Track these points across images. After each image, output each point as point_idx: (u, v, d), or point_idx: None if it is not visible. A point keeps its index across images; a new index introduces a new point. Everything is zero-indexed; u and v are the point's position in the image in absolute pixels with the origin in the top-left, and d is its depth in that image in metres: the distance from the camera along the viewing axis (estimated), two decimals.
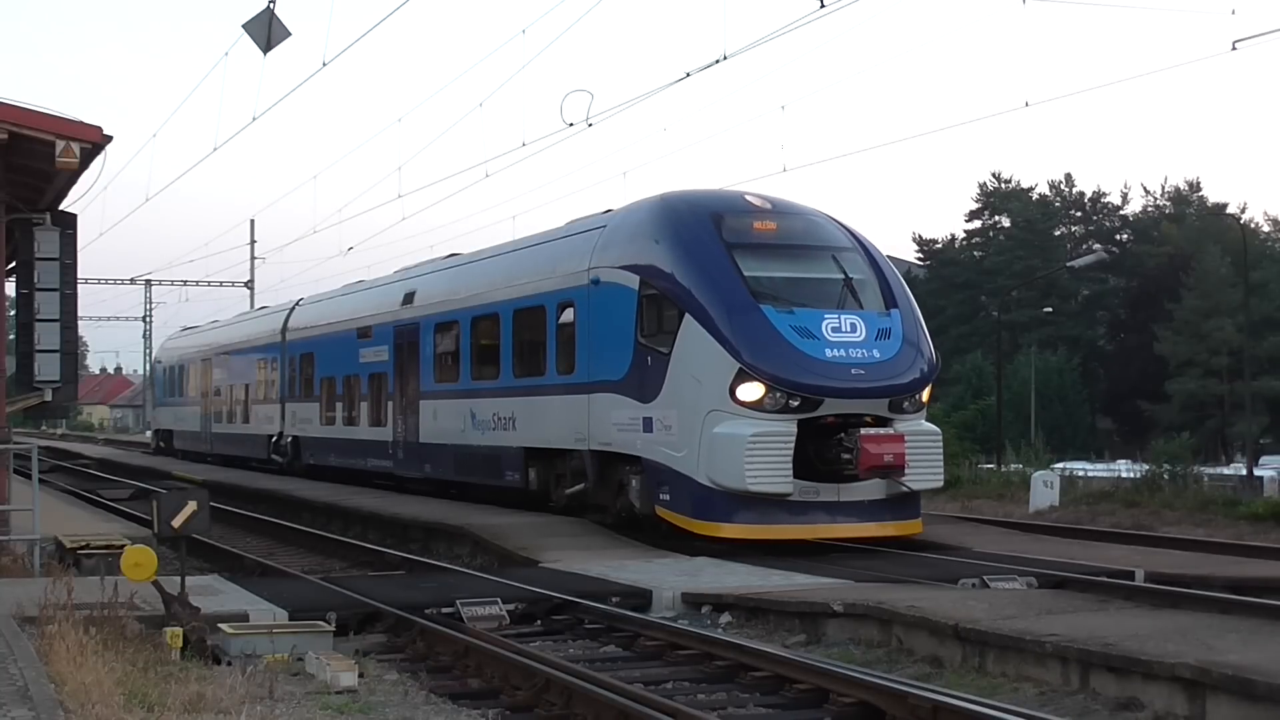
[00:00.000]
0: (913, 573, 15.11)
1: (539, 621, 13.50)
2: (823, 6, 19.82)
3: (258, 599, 13.22)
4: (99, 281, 76.10)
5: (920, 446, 17.30)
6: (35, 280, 16.14)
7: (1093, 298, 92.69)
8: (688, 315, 17.35)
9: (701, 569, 16.07)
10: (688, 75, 24.53)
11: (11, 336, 16.66)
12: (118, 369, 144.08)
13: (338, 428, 31.09)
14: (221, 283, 78.69)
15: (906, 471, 17.05)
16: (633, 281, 18.46)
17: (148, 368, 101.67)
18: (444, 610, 13.14)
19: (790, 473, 16.56)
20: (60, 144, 14.60)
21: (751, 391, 16.72)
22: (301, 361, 33.83)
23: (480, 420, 23.14)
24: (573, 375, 20.01)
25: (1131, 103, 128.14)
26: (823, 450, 16.96)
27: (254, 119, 30.83)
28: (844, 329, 17.29)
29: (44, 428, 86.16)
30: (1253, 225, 78.33)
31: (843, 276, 18.36)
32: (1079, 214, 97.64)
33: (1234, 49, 21.88)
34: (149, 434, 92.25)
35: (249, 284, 76.87)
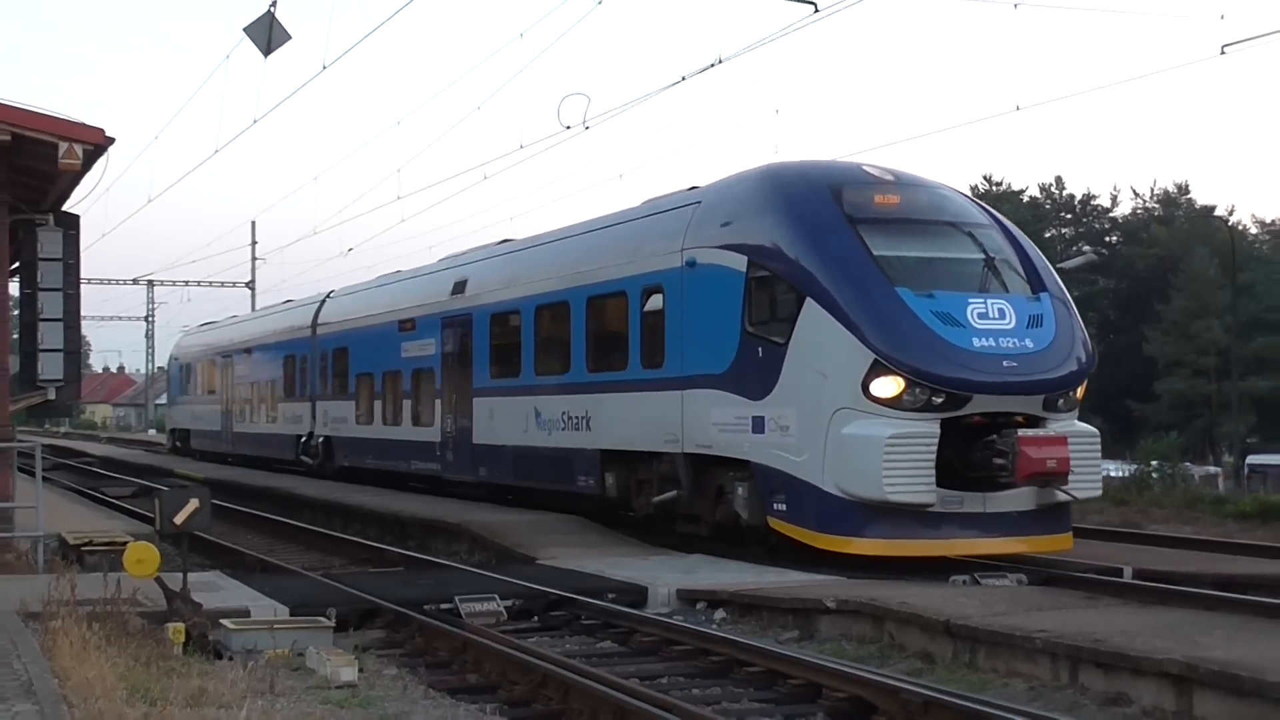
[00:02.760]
0: (904, 570, 15.12)
1: (536, 618, 13.52)
2: (816, 10, 19.88)
3: (259, 595, 13.23)
4: (102, 282, 76.03)
5: (1081, 450, 15.07)
6: (39, 280, 16.13)
7: (1082, 299, 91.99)
8: (810, 300, 15.10)
9: (696, 566, 16.07)
10: (683, 79, 24.55)
11: (15, 336, 16.63)
12: (120, 368, 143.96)
13: (376, 427, 28.62)
14: (223, 283, 78.77)
15: (1069, 479, 14.91)
16: (739, 263, 16.15)
17: (150, 367, 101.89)
18: (442, 606, 13.17)
19: (933, 480, 14.41)
20: (63, 146, 14.60)
21: (888, 386, 14.56)
22: (334, 357, 31.40)
23: (546, 419, 20.87)
24: (662, 369, 17.73)
25: (1121, 106, 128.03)
26: (968, 454, 14.76)
27: (255, 121, 31.08)
28: (991, 315, 15.07)
29: (47, 426, 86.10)
30: (1240, 227, 78.39)
31: (983, 256, 16.10)
32: (1069, 216, 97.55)
33: (1223, 53, 21.85)
34: (151, 432, 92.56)
35: (250, 284, 76.98)
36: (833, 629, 12.54)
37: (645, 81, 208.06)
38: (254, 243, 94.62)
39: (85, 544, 15.94)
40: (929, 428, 14.38)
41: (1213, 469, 43.26)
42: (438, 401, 25.02)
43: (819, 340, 14.94)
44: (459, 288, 24.58)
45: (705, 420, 16.57)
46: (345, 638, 11.96)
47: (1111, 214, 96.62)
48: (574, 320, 20.31)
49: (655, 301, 17.93)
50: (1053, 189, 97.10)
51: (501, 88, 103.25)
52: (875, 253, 15.27)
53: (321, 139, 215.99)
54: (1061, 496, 14.97)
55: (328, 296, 33.59)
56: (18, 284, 16.78)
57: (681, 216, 17.78)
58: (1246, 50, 19.73)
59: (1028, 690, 10.11)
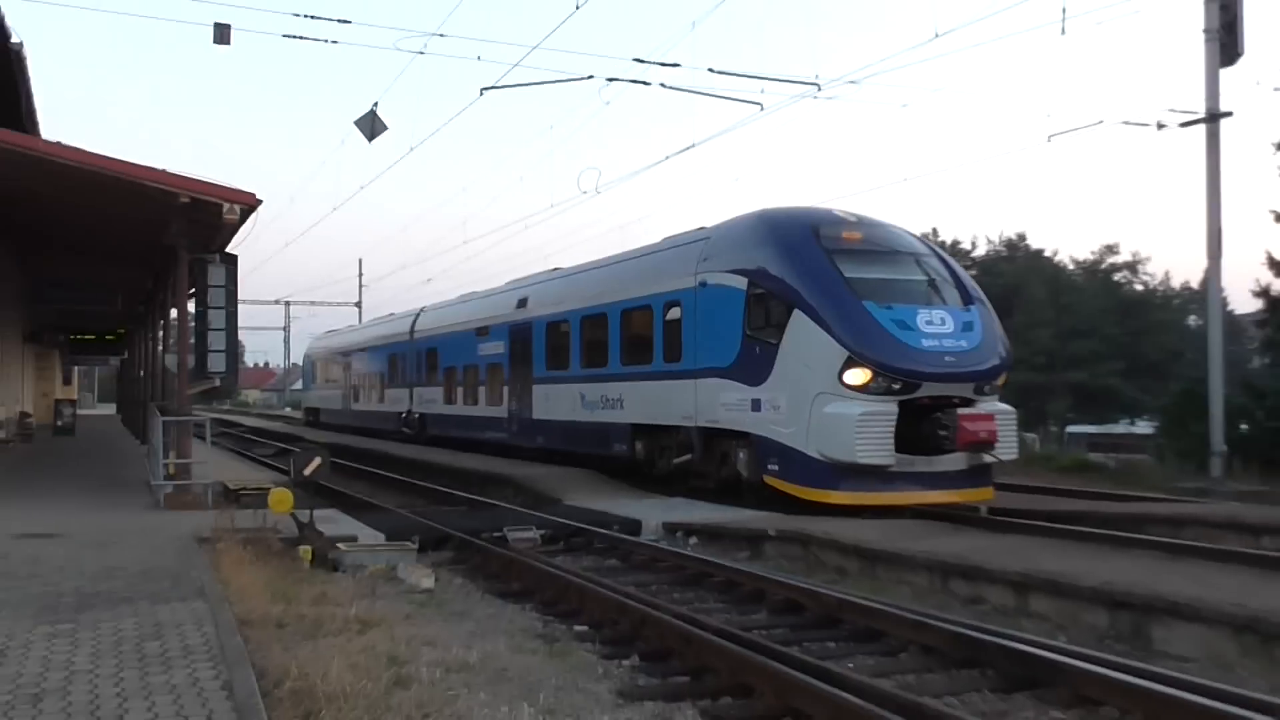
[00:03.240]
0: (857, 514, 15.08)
1: (561, 542, 13.46)
2: (762, 109, 19.83)
3: (364, 526, 13.20)
4: (252, 302, 75.73)
5: (1004, 424, 14.76)
6: (208, 301, 16.20)
7: None
8: (797, 310, 14.83)
9: (676, 506, 15.97)
10: (667, 158, 25.14)
11: (193, 341, 16.66)
12: (265, 364, 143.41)
13: (458, 407, 28.30)
14: (338, 303, 78.52)
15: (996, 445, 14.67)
16: (740, 283, 15.85)
17: (286, 363, 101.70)
18: (494, 534, 13.12)
19: (893, 447, 14.05)
20: (226, 206, 14.59)
21: (859, 376, 14.24)
22: (427, 355, 31.01)
23: (589, 401, 20.46)
24: (679, 363, 17.33)
25: (978, 178, 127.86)
26: (918, 427, 14.36)
27: (361, 188, 31.56)
28: (935, 322, 14.82)
29: (214, 405, 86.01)
30: (1062, 264, 78.62)
31: (926, 277, 15.80)
32: None
33: (1049, 141, 21.77)
34: (287, 409, 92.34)
35: (358, 304, 76.56)
36: (773, 551, 12.54)
37: (640, 159, 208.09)
38: (360, 274, 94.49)
39: (241, 489, 15.92)
40: (889, 407, 14.13)
41: (1029, 435, 43.23)
42: (505, 388, 24.78)
43: (804, 341, 14.72)
44: (522, 303, 24.30)
45: (715, 402, 16.25)
46: (425, 557, 11.95)
47: (972, 255, 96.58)
48: (611, 327, 19.88)
49: (674, 313, 17.65)
50: (930, 236, 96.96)
51: (537, 163, 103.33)
52: (846, 275, 15.05)
53: (409, 199, 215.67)
54: (987, 459, 14.70)
55: (421, 311, 33.37)
56: (194, 304, 16.79)
57: (695, 249, 17.51)
58: (1068, 139, 19.57)
59: (912, 594, 10.12)
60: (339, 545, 11.44)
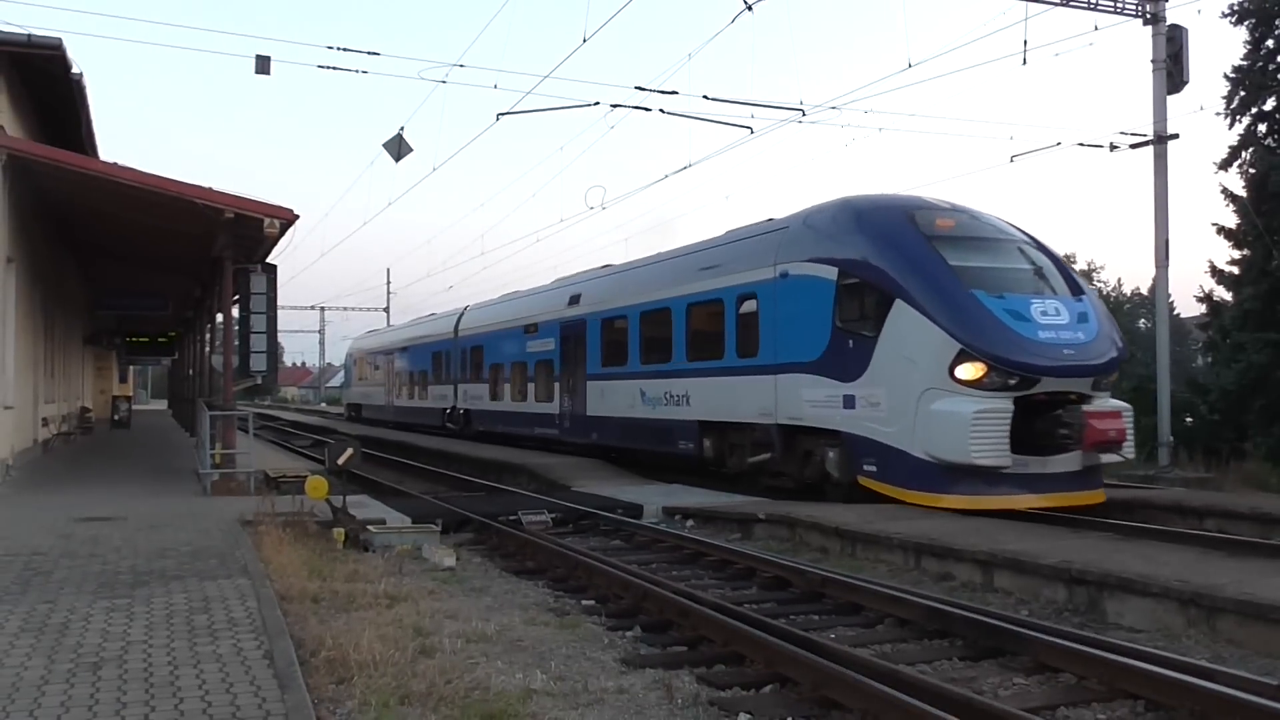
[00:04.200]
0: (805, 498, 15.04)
1: (571, 525, 13.43)
2: (752, 132, 19.79)
3: (391, 510, 13.18)
4: (290, 308, 75.92)
5: (1126, 421, 12.83)
6: (250, 307, 16.23)
7: None
8: (899, 301, 12.76)
9: (675, 491, 15.92)
10: (666, 176, 24.75)
11: (237, 343, 16.67)
12: (302, 363, 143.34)
13: (505, 403, 26.31)
14: (368, 309, 78.50)
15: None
16: (829, 273, 13.81)
17: (321, 362, 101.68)
18: (510, 518, 13.09)
19: (1008, 447, 12.06)
20: (266, 220, 14.59)
21: (971, 370, 12.27)
22: (472, 352, 29.02)
23: (651, 397, 18.47)
24: (756, 358, 15.34)
25: (947, 194, 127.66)
26: (1033, 425, 12.35)
27: (389, 204, 31.76)
28: (1049, 313, 12.76)
29: (255, 401, 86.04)
30: None
31: (1032, 266, 13.63)
32: None
33: (1012, 161, 21.67)
34: (322, 405, 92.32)
35: (386, 309, 76.59)
36: (763, 532, 12.50)
37: (642, 177, 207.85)
38: (388, 282, 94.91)
39: (280, 476, 15.90)
40: (1005, 404, 12.13)
41: None
42: (556, 384, 22.95)
43: (908, 333, 12.70)
44: (574, 300, 22.34)
45: (798, 398, 14.33)
46: (447, 538, 11.94)
47: None
48: (675, 322, 17.93)
49: (749, 306, 15.68)
50: None
51: (548, 181, 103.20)
52: (951, 263, 13.01)
53: (432, 214, 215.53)
54: (1104, 459, 12.81)
55: (464, 310, 31.45)
56: (238, 309, 16.81)
57: (772, 240, 15.45)
58: (1029, 160, 19.50)
59: (889, 571, 10.10)
60: (369, 527, 11.43)
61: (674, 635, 7.51)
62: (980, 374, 12.30)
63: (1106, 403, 12.88)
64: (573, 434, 21.99)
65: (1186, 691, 5.65)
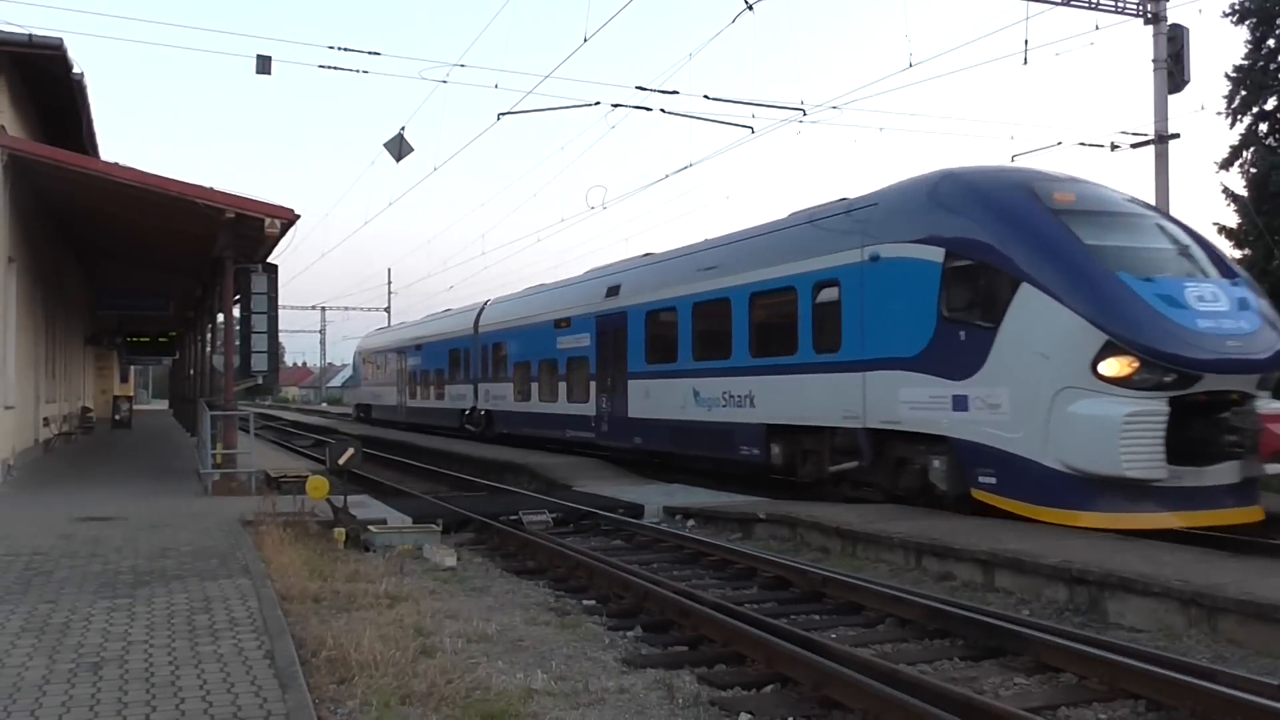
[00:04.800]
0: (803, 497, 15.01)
1: (571, 525, 13.41)
2: (753, 132, 19.77)
3: (392, 510, 13.18)
4: (291, 307, 75.91)
5: None
6: (251, 307, 16.25)
7: None
8: (1026, 285, 10.82)
9: (675, 491, 15.88)
10: (666, 176, 24.80)
11: (238, 343, 16.68)
12: (303, 363, 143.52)
13: (532, 403, 24.35)
14: (369, 308, 78.50)
15: None
16: (934, 255, 11.94)
17: (322, 362, 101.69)
18: (511, 517, 13.08)
19: (1164, 456, 10.10)
20: (267, 220, 14.61)
21: (1119, 366, 10.32)
22: (494, 349, 27.17)
23: (706, 398, 16.69)
24: (838, 354, 13.56)
25: None
26: (1194, 431, 10.34)
27: (390, 204, 31.60)
28: (1207, 298, 10.75)
29: (256, 401, 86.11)
30: None
31: (1175, 244, 11.62)
32: None
33: (1013, 161, 21.69)
34: (324, 404, 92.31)
35: (387, 309, 76.62)
36: (763, 532, 12.49)
37: (642, 177, 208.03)
38: (389, 282, 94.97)
39: (281, 476, 15.91)
40: (1160, 405, 10.21)
41: None
42: (592, 384, 21.03)
43: (1038, 322, 10.77)
44: (612, 291, 20.39)
45: (892, 398, 12.52)
46: (448, 538, 11.95)
47: None
48: (735, 314, 16.01)
49: (829, 294, 13.84)
50: None
51: (549, 181, 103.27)
52: (1087, 242, 11.04)
53: (432, 214, 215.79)
54: (1266, 470, 10.79)
55: (485, 304, 29.43)
56: (239, 309, 16.82)
57: (855, 220, 13.58)
58: (1030, 159, 19.46)
59: (889, 571, 10.09)
60: (370, 527, 11.43)
61: (675, 635, 7.51)
62: (1130, 370, 10.36)
63: (1271, 405, 10.90)
64: (611, 437, 20.23)
65: (1188, 691, 5.65)
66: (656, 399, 18.38)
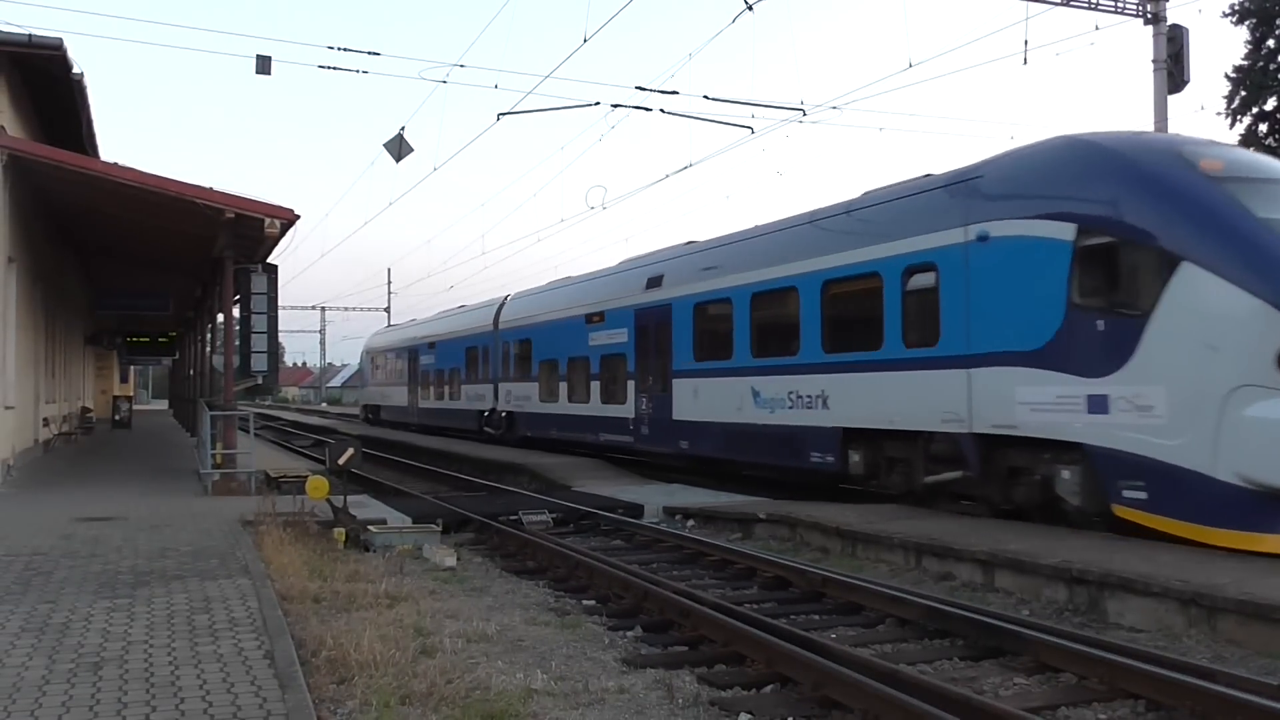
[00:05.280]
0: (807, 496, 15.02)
1: (571, 525, 13.42)
2: (752, 132, 19.76)
3: (392, 510, 13.20)
4: (291, 307, 75.95)
5: None
6: (251, 307, 16.27)
7: None
8: (1188, 265, 9.18)
9: (675, 491, 15.88)
10: (667, 176, 24.75)
11: (237, 343, 16.69)
12: (303, 363, 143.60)
13: (560, 404, 22.63)
14: (369, 308, 78.50)
15: None
16: (1062, 232, 10.32)
17: (322, 362, 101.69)
18: (511, 517, 13.09)
19: None
20: (267, 220, 14.64)
21: None
22: (517, 346, 25.41)
23: (767, 398, 14.99)
24: (935, 347, 11.89)
25: None
26: None
27: (390, 204, 31.51)
28: None
29: (256, 401, 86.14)
30: None
31: None
32: None
33: None
34: (323, 405, 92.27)
35: (387, 309, 76.65)
36: (763, 532, 12.49)
37: (642, 177, 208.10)
38: (389, 282, 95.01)
39: (281, 476, 15.92)
40: None
41: None
42: (630, 383, 19.41)
43: (1205, 309, 9.15)
44: (654, 282, 18.80)
45: (1007, 398, 10.86)
46: (448, 538, 11.95)
47: None
48: (805, 305, 14.34)
49: (923, 280, 12.22)
50: None
51: (549, 181, 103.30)
52: (1258, 215, 9.32)
53: (433, 213, 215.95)
54: None
55: (505, 299, 27.65)
56: (238, 309, 16.83)
57: (957, 194, 11.90)
58: None
59: (889, 571, 10.09)
60: (370, 528, 11.43)
61: (675, 635, 7.51)
62: None
63: None
64: (653, 441, 18.62)
65: (1187, 691, 5.65)
66: (707, 399, 16.78)
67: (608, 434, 20.36)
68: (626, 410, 19.56)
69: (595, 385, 21.03)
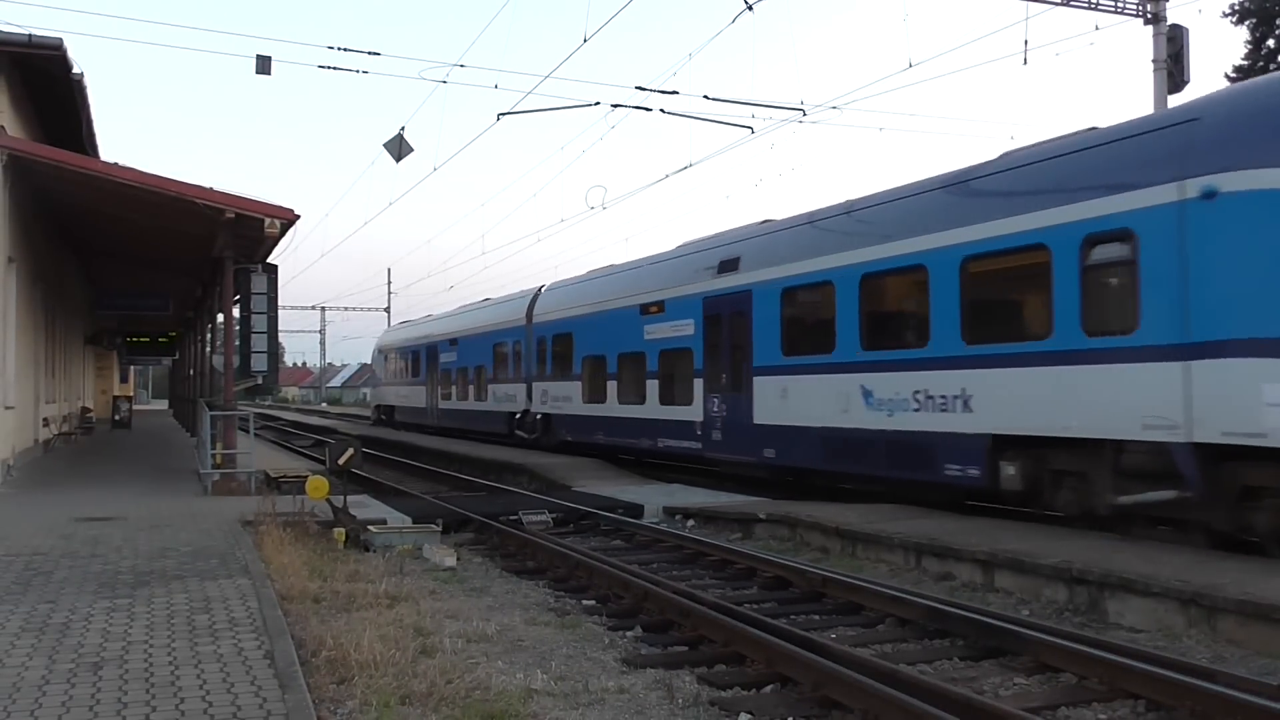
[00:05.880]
0: (805, 496, 15.01)
1: (571, 525, 13.42)
2: (752, 132, 19.75)
3: (392, 510, 13.19)
4: (291, 308, 76.02)
5: None
6: (251, 307, 16.29)
7: None
8: None
9: (675, 491, 15.87)
10: (667, 176, 24.71)
11: (237, 343, 16.71)
12: (303, 363, 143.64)
13: (608, 405, 20.42)
14: (369, 308, 78.56)
15: None
16: None
17: (322, 362, 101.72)
18: (511, 517, 13.09)
19: None
20: (267, 220, 14.65)
21: None
22: (554, 342, 23.24)
23: (882, 398, 12.79)
24: (1133, 335, 9.67)
25: None
26: None
27: (390, 204, 31.42)
28: None
29: (256, 401, 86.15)
30: None
31: None
32: None
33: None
34: (323, 405, 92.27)
35: (386, 309, 76.68)
36: (763, 532, 12.49)
37: (642, 177, 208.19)
38: (389, 282, 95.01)
39: (281, 476, 15.93)
40: None
41: None
42: (697, 381, 17.25)
43: None
44: (728, 266, 16.57)
45: (1245, 399, 8.60)
46: (448, 538, 11.94)
47: None
48: (936, 286, 12.10)
49: (1114, 251, 9.97)
50: None
51: (550, 181, 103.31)
52: None
53: (433, 213, 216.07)
54: None
55: (540, 290, 25.62)
56: (238, 309, 16.85)
57: (1166, 142, 9.62)
58: None
59: (889, 571, 10.09)
60: (370, 528, 11.43)
61: (675, 635, 7.51)
62: None
63: None
64: (728, 448, 16.43)
65: (1187, 691, 5.64)
66: (799, 400, 14.52)
67: (668, 439, 18.22)
68: (692, 412, 17.41)
69: (652, 384, 18.89)
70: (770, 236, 16.09)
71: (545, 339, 23.96)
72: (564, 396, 22.73)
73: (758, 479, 16.42)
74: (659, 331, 18.70)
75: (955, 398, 11.79)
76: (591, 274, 23.38)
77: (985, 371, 11.46)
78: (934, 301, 12.22)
